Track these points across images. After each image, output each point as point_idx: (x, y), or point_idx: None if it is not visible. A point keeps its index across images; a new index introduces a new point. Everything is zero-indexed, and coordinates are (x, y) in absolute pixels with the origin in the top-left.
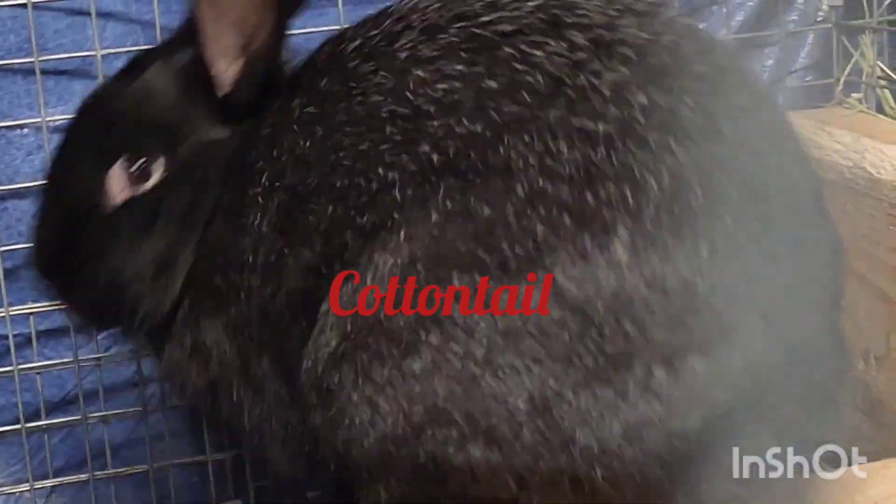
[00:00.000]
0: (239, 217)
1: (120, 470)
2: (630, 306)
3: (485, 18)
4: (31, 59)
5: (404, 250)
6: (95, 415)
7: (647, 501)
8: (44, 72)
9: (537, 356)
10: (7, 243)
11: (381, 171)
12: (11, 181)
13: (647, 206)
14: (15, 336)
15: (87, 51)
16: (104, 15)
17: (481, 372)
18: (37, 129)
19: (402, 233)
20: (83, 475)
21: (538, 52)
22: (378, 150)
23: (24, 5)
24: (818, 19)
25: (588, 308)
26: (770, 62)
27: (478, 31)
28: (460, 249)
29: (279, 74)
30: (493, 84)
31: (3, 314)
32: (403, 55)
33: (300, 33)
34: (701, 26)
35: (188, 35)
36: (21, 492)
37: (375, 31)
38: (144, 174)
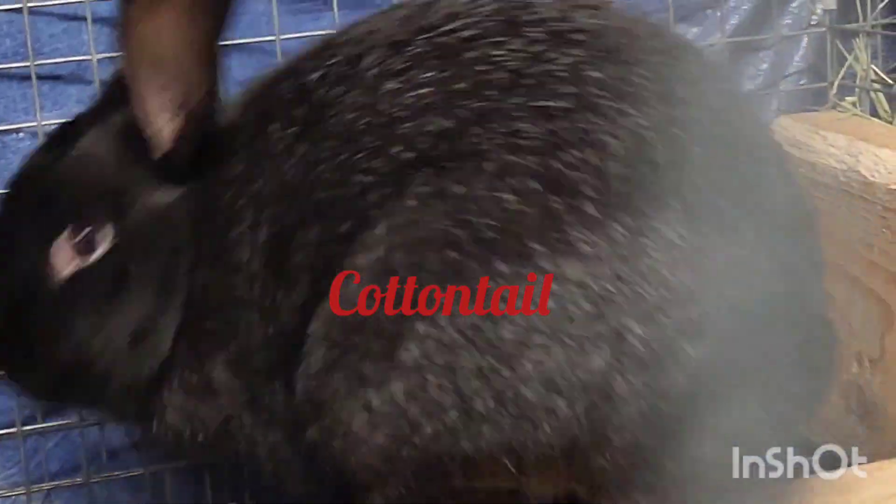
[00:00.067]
0: (226, 259)
1: (116, 473)
2: (607, 264)
3: (447, 27)
4: (27, 64)
5: (384, 242)
6: (92, 418)
7: (637, 469)
8: (39, 76)
9: (523, 330)
10: None
11: (357, 177)
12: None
13: (611, 165)
14: None
15: (83, 55)
16: (100, 20)
17: (472, 355)
18: (32, 133)
19: (381, 226)
20: (79, 479)
21: (499, 52)
22: (354, 159)
23: (19, 10)
24: (812, 23)
25: (568, 275)
26: (764, 66)
27: (442, 39)
28: (437, 229)
29: (219, 126)
30: (460, 86)
31: None
32: (373, 72)
33: (298, 37)
34: (695, 30)
35: (120, 96)
36: (18, 495)
37: (336, 59)
38: (90, 244)
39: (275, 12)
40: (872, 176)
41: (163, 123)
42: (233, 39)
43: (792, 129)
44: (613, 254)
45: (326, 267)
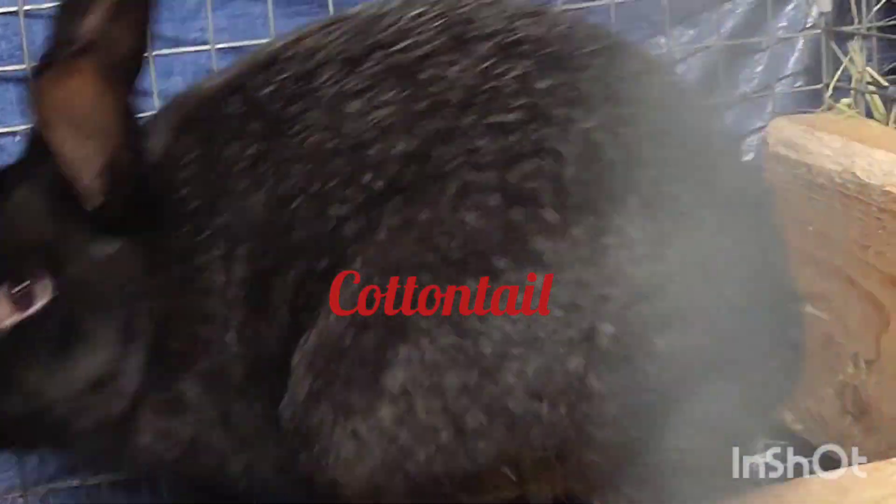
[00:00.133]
0: (195, 283)
1: (113, 476)
2: (570, 267)
3: (400, 45)
4: (23, 67)
5: (361, 275)
6: None
7: (627, 463)
8: None
9: (500, 343)
10: None
11: (332, 209)
12: None
13: (567, 170)
14: None
15: None
16: None
17: (457, 373)
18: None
19: (357, 262)
20: (76, 481)
21: (451, 70)
22: (327, 188)
23: (15, 13)
24: (808, 25)
25: (535, 285)
26: (760, 68)
27: (397, 58)
28: (408, 258)
29: (152, 162)
30: (419, 106)
31: None
32: (330, 91)
33: None
34: (691, 32)
35: (46, 149)
36: (14, 498)
37: (285, 74)
38: (28, 297)
39: (270, 15)
40: (868, 177)
41: (89, 180)
42: (229, 42)
43: (787, 131)
44: (576, 258)
45: (306, 303)
